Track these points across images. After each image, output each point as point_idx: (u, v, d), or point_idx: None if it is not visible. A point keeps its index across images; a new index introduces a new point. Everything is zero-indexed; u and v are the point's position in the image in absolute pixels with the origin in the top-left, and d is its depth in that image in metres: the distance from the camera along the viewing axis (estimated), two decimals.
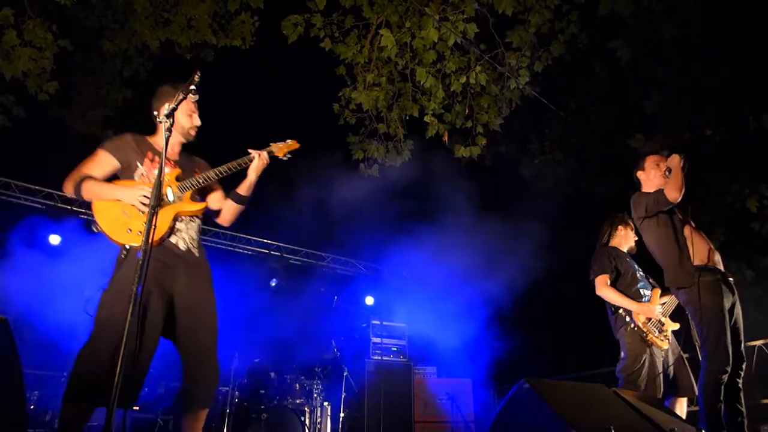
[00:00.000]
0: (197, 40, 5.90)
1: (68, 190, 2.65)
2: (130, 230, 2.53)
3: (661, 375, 3.59)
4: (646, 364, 3.55)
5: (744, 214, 6.54)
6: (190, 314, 2.61)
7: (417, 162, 6.39)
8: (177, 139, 2.87)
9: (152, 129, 2.87)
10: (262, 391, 5.74)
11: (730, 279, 3.35)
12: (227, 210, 2.96)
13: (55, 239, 6.96)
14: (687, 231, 3.41)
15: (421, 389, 6.72)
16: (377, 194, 6.53)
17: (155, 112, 2.74)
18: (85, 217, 7.38)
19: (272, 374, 5.99)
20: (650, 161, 3.67)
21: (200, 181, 2.76)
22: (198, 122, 2.90)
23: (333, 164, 6.53)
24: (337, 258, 9.42)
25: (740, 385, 3.18)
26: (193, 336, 2.59)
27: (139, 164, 2.71)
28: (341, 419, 6.17)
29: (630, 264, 3.93)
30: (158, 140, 2.81)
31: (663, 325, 3.70)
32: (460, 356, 7.48)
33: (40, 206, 7.31)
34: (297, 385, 5.97)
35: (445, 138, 6.03)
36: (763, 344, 5.06)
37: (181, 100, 2.30)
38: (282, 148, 3.04)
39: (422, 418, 6.50)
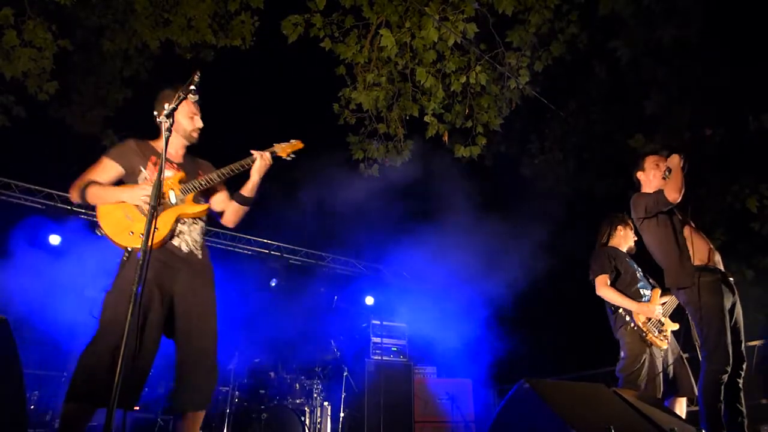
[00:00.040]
0: (197, 40, 5.89)
1: (74, 197, 2.68)
2: (132, 233, 2.55)
3: (661, 375, 3.59)
4: (646, 363, 3.55)
5: (744, 214, 6.53)
6: (190, 315, 2.62)
7: (417, 162, 6.39)
8: (180, 142, 2.89)
9: (155, 133, 2.88)
10: (262, 391, 5.74)
11: (731, 279, 3.35)
12: (231, 211, 2.97)
13: (55, 239, 6.97)
14: (687, 231, 3.41)
15: (421, 389, 6.72)
16: (377, 194, 6.53)
17: (155, 113, 2.75)
18: (85, 217, 7.39)
19: (272, 374, 5.99)
20: (650, 162, 3.67)
21: (202, 183, 2.78)
22: (200, 124, 2.91)
23: (333, 164, 6.53)
24: (337, 258, 9.42)
25: (740, 385, 3.18)
26: (192, 337, 2.60)
27: (142, 168, 2.73)
28: (341, 419, 6.17)
29: (629, 264, 3.93)
30: (162, 144, 2.82)
31: (663, 325, 3.70)
32: (460, 356, 7.48)
33: (40, 206, 7.31)
34: (297, 385, 5.97)
35: (445, 138, 6.02)
36: (761, 344, 5.06)
37: (181, 100, 2.30)
38: (285, 148, 3.04)
39: (422, 418, 6.50)
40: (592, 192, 7.95)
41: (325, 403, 6.25)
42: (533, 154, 8.37)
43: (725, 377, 3.06)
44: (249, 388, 5.73)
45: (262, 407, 5.32)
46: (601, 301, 3.92)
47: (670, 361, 3.68)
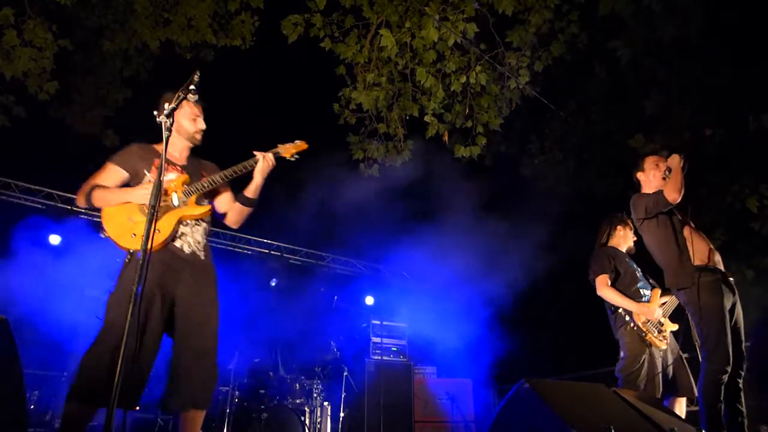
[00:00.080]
0: (197, 40, 5.90)
1: (80, 202, 2.71)
2: (135, 235, 2.58)
3: (660, 375, 3.59)
4: (646, 364, 3.56)
5: (744, 214, 6.52)
6: (191, 316, 2.63)
7: (417, 162, 6.39)
8: (184, 144, 2.91)
9: (158, 135, 2.89)
10: (262, 391, 5.74)
11: (731, 279, 3.35)
12: (235, 212, 2.98)
13: (55, 239, 6.97)
14: (687, 232, 3.41)
15: (421, 389, 6.72)
16: (377, 194, 6.53)
17: (155, 113, 2.75)
18: (86, 217, 7.39)
19: (272, 374, 5.99)
20: (649, 162, 3.67)
21: (205, 185, 2.79)
22: (203, 126, 2.92)
23: (333, 164, 6.53)
24: (337, 258, 9.42)
25: (740, 385, 3.18)
26: (193, 337, 2.61)
27: (146, 172, 2.75)
28: (341, 419, 6.17)
29: (629, 264, 3.94)
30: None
31: (662, 325, 3.70)
32: (460, 356, 7.48)
33: (40, 206, 7.31)
34: (297, 385, 5.97)
35: (445, 138, 6.02)
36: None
37: (181, 100, 2.31)
38: (289, 149, 3.04)
39: (422, 418, 6.50)
40: (592, 192, 7.94)
41: (325, 403, 6.25)
42: (533, 154, 8.36)
43: (725, 377, 3.06)
44: (249, 388, 5.73)
45: (262, 407, 5.32)
46: (601, 301, 3.92)
47: (670, 361, 3.68)
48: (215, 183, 2.82)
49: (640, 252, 3.94)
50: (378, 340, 7.11)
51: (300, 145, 3.08)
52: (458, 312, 7.58)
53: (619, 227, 4.06)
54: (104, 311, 2.51)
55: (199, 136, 2.92)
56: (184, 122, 2.85)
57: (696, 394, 3.33)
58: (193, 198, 2.78)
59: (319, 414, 6.08)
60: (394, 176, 6.40)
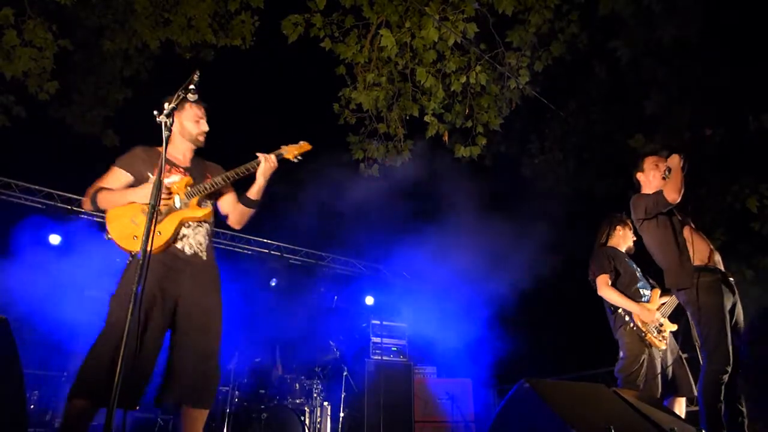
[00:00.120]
0: (197, 40, 5.90)
1: (86, 206, 2.73)
2: (136, 237, 2.59)
3: (660, 375, 3.59)
4: (645, 364, 3.55)
5: (744, 214, 6.52)
6: (192, 316, 2.64)
7: (417, 162, 6.39)
8: (187, 146, 2.92)
9: (161, 138, 2.89)
10: (262, 391, 5.74)
11: (731, 279, 3.35)
12: (238, 213, 2.98)
13: (55, 239, 6.97)
14: (686, 232, 3.41)
15: (421, 389, 6.72)
16: (377, 194, 6.53)
17: (155, 112, 2.76)
18: (86, 217, 7.39)
19: (272, 374, 5.99)
20: (649, 162, 3.67)
21: (207, 187, 2.79)
22: (206, 128, 2.93)
23: (333, 164, 6.54)
24: (337, 258, 9.42)
25: (740, 386, 3.18)
26: (195, 338, 2.61)
27: (150, 174, 2.76)
28: (341, 419, 6.17)
29: (629, 264, 3.93)
30: (169, 149, 2.83)
31: (662, 325, 3.70)
32: (460, 356, 7.48)
33: (40, 206, 7.31)
34: (297, 385, 5.98)
35: (445, 138, 6.02)
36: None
37: (181, 99, 2.31)
38: (292, 150, 3.03)
39: (422, 418, 6.50)
40: (592, 192, 7.94)
41: (325, 403, 6.25)
42: (533, 154, 8.36)
43: (725, 377, 3.06)
44: (249, 388, 5.73)
45: (262, 407, 5.33)
46: (601, 301, 3.92)
47: (669, 361, 3.68)
48: (217, 185, 2.83)
49: (640, 252, 3.93)
50: (378, 340, 7.12)
51: (304, 146, 3.06)
52: (458, 312, 7.59)
53: (618, 227, 4.07)
54: (106, 312, 2.52)
55: (202, 138, 2.93)
56: (188, 124, 2.86)
57: (696, 394, 3.33)
58: (195, 200, 2.78)
59: (319, 414, 6.09)
60: (394, 176, 6.40)
